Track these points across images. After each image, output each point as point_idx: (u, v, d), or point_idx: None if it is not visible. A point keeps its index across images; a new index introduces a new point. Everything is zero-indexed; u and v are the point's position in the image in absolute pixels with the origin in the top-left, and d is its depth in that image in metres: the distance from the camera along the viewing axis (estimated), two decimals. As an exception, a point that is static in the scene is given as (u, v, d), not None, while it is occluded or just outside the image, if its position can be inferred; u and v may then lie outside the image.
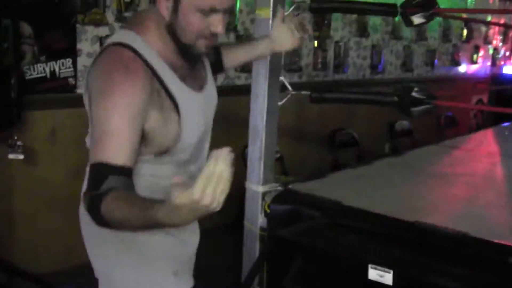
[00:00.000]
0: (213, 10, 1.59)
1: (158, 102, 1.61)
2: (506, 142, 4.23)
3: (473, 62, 8.85)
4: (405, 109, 2.39)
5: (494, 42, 9.57)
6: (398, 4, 2.48)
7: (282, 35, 2.15)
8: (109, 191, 1.46)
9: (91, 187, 1.52)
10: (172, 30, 1.64)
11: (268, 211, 2.33)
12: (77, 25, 3.85)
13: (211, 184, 1.19)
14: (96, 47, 3.91)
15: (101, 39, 3.93)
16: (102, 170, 1.50)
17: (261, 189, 2.38)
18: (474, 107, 7.95)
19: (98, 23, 3.92)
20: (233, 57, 2.15)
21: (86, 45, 3.89)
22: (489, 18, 9.19)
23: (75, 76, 3.86)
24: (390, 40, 6.67)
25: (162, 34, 1.66)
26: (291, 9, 2.46)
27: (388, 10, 2.48)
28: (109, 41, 1.69)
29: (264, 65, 2.37)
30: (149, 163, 1.71)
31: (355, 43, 6.13)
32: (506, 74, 9.81)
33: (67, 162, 3.84)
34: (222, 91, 1.98)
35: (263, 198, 2.38)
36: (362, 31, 6.16)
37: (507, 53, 10.10)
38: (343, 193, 2.40)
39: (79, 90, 3.85)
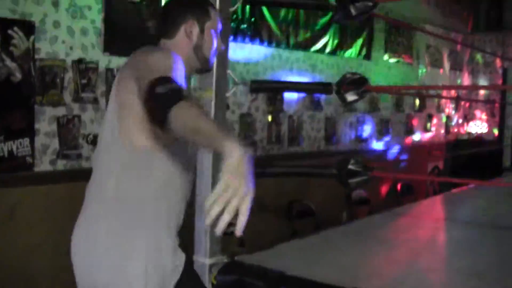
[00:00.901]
0: (219, 32, 2.10)
1: None
2: (452, 207, 4.40)
3: (427, 130, 9.16)
4: (343, 181, 2.54)
5: (447, 110, 9.93)
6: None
7: None
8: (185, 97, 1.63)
9: (162, 82, 1.67)
10: (197, 48, 2.05)
11: (215, 282, 2.42)
12: (35, 106, 3.96)
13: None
14: (54, 127, 4.02)
15: (58, 119, 4.04)
16: (166, 78, 1.70)
17: (208, 261, 2.47)
18: (412, 177, 8.13)
19: (56, 104, 4.04)
20: None
21: (44, 125, 4.00)
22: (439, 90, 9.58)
23: (32, 155, 3.94)
24: (344, 112, 6.90)
25: (185, 54, 2.02)
26: (233, 89, 2.63)
27: (324, 89, 2.66)
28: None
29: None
30: (164, 157, 1.94)
31: (309, 116, 6.33)
32: (460, 140, 10.15)
33: (27, 239, 3.88)
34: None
35: (210, 270, 2.48)
36: (316, 104, 6.38)
37: (460, 121, 10.46)
38: (288, 263, 2.52)
39: (37, 169, 3.94)
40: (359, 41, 7.12)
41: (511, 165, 9.59)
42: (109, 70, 4.31)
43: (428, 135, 9.20)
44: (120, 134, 1.94)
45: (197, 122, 1.55)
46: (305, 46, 6.21)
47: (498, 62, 10.75)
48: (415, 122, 8.73)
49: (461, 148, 9.66)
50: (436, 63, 9.46)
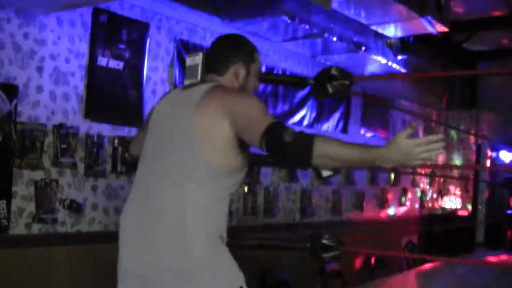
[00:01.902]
0: (258, 74, 2.38)
1: None
2: (424, 283, 4.44)
3: (402, 204, 9.23)
4: (317, 255, 2.58)
5: (422, 185, 10.04)
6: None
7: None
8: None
9: (280, 128, 2.00)
10: (243, 88, 2.33)
11: None
12: (14, 169, 3.97)
13: (430, 145, 1.94)
14: (31, 190, 4.03)
15: (36, 183, 4.05)
16: (282, 124, 2.03)
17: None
18: (385, 253, 8.15)
19: (34, 167, 4.06)
20: None
21: (22, 188, 4.00)
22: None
23: (8, 218, 3.93)
24: (319, 184, 6.95)
25: None
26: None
27: (300, 164, 2.72)
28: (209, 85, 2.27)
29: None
30: (233, 179, 2.21)
31: (284, 188, 6.37)
32: (434, 215, 10.23)
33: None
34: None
35: None
36: (291, 176, 6.43)
37: (435, 196, 10.58)
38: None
39: (11, 232, 3.93)
40: (336, 115, 7.26)
41: (483, 240, 9.68)
42: (89, 136, 4.36)
43: (402, 209, 9.28)
44: (207, 156, 2.13)
45: (342, 156, 1.97)
46: (283, 119, 6.32)
47: (471, 138, 10.96)
48: (390, 196, 8.80)
49: (435, 222, 9.73)
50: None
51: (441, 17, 5.19)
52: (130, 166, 2.78)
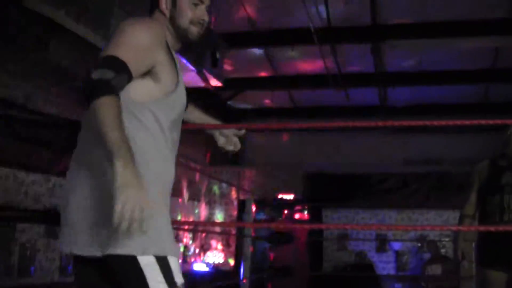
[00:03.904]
0: (198, 3, 2.25)
1: (167, 53, 2.14)
2: None
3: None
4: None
5: (184, 240, 9.96)
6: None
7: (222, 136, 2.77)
8: (117, 94, 1.88)
9: (105, 66, 1.88)
10: (172, 20, 2.24)
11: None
12: None
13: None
14: None
15: None
16: (117, 62, 1.91)
17: None
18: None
19: None
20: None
21: None
22: (179, 218, 9.64)
23: None
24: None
25: (165, 24, 2.25)
26: None
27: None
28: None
29: None
30: (154, 109, 2.10)
31: (43, 245, 5.87)
32: (197, 271, 10.16)
33: None
34: None
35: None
36: (51, 232, 5.97)
37: (197, 250, 10.54)
38: None
39: None
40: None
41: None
42: None
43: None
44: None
45: (103, 127, 1.81)
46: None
47: (233, 194, 11.20)
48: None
49: (198, 278, 9.65)
50: (175, 193, 9.53)
51: (216, 72, 5.16)
52: None
